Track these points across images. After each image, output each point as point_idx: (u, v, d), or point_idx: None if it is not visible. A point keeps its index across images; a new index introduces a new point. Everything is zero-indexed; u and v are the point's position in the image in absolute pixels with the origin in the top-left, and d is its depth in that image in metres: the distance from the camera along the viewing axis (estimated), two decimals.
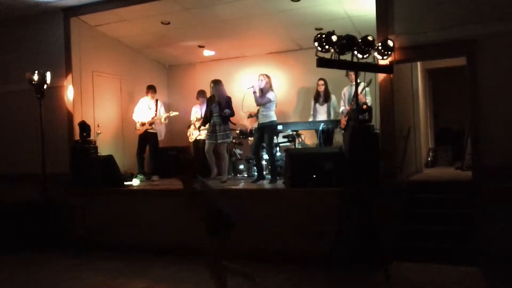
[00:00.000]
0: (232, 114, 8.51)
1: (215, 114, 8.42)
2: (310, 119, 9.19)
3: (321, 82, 9.08)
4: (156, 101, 9.88)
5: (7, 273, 6.62)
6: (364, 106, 7.00)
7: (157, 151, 9.90)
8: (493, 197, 5.99)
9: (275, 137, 8.68)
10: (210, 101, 8.62)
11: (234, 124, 9.31)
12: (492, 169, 6.02)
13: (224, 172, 8.53)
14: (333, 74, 8.41)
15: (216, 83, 8.48)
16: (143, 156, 9.75)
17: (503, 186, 5.94)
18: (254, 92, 7.99)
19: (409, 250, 6.52)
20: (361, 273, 5.85)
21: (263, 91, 8.02)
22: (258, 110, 8.50)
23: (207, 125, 8.74)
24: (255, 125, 9.09)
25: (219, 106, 8.36)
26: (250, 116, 9.57)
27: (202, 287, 5.58)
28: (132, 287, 5.76)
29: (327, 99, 9.08)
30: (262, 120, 8.13)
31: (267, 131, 8.11)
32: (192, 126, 10.26)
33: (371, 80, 7.60)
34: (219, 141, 8.36)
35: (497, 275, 5.74)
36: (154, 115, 9.72)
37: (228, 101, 8.43)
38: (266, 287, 5.45)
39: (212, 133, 8.45)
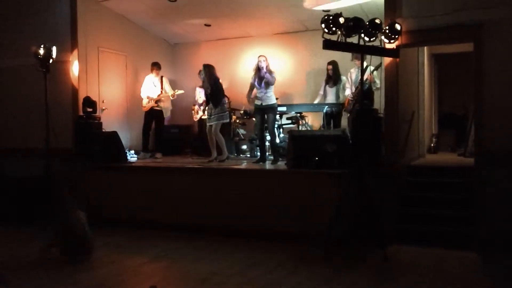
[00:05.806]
0: (221, 97, 8.61)
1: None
2: (317, 100, 9.13)
3: (330, 66, 8.97)
4: (161, 78, 9.87)
5: (10, 247, 6.69)
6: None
7: (162, 128, 9.94)
8: (494, 183, 6.00)
9: (278, 118, 8.71)
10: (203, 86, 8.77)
11: (228, 101, 9.41)
12: (494, 155, 6.00)
13: (223, 152, 8.60)
14: (341, 57, 8.38)
15: (206, 68, 8.56)
16: (149, 133, 9.80)
17: (505, 172, 5.94)
18: (267, 73, 8.06)
19: (409, 233, 6.57)
20: (359, 254, 5.90)
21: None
22: (250, 91, 8.46)
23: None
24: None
25: (210, 91, 8.46)
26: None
27: (200, 263, 5.65)
28: (131, 263, 5.80)
29: (336, 81, 9.00)
30: (266, 101, 8.18)
31: (271, 111, 8.21)
32: (196, 106, 10.28)
33: (380, 64, 7.54)
34: (213, 123, 8.47)
35: (495, 260, 5.79)
36: (159, 92, 9.73)
37: (217, 85, 8.49)
38: (266, 265, 5.53)
39: (209, 116, 8.59)
